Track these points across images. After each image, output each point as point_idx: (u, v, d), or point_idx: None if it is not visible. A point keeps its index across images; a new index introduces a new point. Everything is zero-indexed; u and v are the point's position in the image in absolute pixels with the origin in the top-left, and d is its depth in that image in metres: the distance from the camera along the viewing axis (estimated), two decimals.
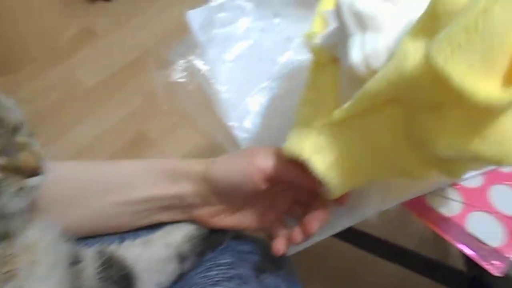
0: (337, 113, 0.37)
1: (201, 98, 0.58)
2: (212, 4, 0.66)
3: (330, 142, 0.38)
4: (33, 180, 0.31)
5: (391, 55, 0.32)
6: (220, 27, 0.65)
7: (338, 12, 0.37)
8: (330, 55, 0.40)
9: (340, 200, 0.41)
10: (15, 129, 0.32)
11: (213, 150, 0.61)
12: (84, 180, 0.44)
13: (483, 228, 0.45)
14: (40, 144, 0.34)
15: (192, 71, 0.59)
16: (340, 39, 0.38)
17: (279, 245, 0.41)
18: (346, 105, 0.35)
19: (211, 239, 0.44)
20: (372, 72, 0.34)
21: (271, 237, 0.43)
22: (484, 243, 0.43)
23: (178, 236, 0.43)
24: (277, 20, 0.65)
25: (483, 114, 0.30)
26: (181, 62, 0.59)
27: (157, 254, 0.41)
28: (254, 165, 0.40)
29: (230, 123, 0.55)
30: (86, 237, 0.43)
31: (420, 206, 0.47)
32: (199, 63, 0.60)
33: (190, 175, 0.41)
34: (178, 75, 0.59)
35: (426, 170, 0.38)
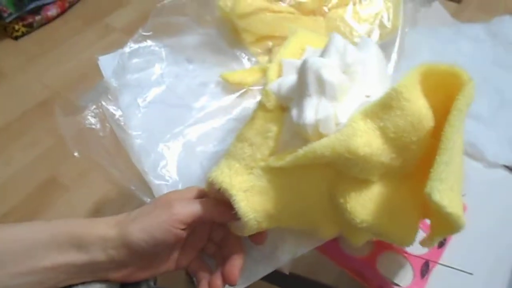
0: (276, 162, 0.39)
1: (113, 145, 0.56)
2: (126, 50, 0.65)
3: (260, 184, 0.40)
4: None
5: (340, 127, 0.37)
6: (134, 73, 0.64)
7: (302, 70, 0.40)
8: (280, 103, 0.43)
9: (258, 240, 0.42)
10: None
11: (126, 196, 0.59)
12: None
13: (392, 268, 0.47)
14: None
15: (104, 117, 0.57)
16: (296, 94, 0.41)
17: None
18: (287, 158, 0.38)
19: None
20: (319, 135, 0.38)
21: (192, 274, 0.43)
22: (394, 283, 0.45)
23: None
24: (191, 66, 0.65)
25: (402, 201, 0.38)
26: (93, 108, 0.57)
27: None
28: (174, 217, 0.38)
29: (143, 170, 0.53)
30: None
31: (332, 249, 0.48)
32: (112, 109, 0.58)
33: (102, 242, 0.38)
34: (89, 121, 0.56)
35: (333, 231, 0.43)
